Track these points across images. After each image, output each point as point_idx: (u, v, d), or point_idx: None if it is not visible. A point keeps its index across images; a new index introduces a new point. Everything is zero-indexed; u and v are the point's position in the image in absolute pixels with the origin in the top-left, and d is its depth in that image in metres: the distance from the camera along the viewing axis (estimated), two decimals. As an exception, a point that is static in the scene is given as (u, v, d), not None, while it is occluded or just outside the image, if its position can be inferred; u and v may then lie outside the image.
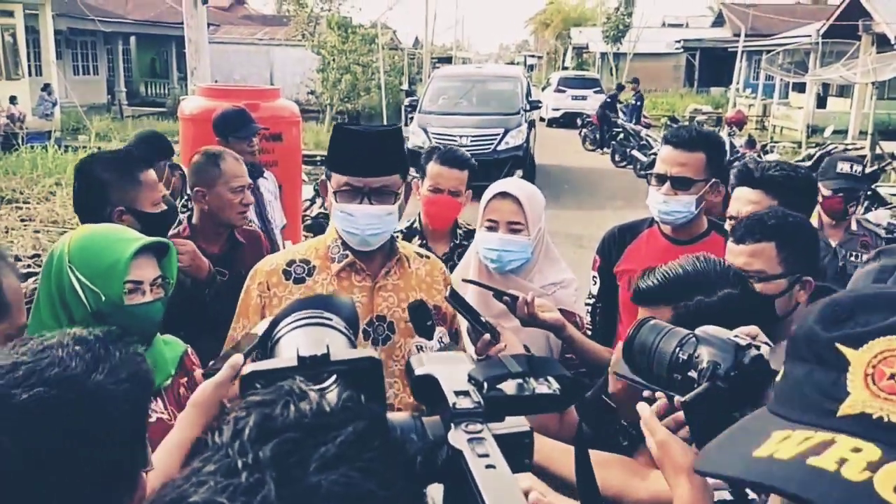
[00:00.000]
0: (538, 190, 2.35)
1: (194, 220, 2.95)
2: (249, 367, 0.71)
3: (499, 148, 12.45)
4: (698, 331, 1.27)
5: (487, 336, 1.83)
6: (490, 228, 2.21)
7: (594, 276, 2.78)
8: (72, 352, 0.89)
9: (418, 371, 0.71)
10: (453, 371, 0.70)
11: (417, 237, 2.90)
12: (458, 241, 2.92)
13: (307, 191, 8.29)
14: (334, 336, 0.80)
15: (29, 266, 8.01)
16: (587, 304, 2.79)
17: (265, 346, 0.86)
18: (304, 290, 1.88)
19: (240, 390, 0.70)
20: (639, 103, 18.19)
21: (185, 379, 1.85)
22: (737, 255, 1.82)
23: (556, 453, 1.52)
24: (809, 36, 22.14)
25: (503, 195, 2.22)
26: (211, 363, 1.55)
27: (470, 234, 2.92)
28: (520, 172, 11.53)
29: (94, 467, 0.88)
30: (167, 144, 4.41)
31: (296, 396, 0.53)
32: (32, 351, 0.89)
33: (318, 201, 8.84)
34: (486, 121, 12.89)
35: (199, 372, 1.59)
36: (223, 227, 2.92)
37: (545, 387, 0.70)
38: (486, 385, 0.68)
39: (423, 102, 13.92)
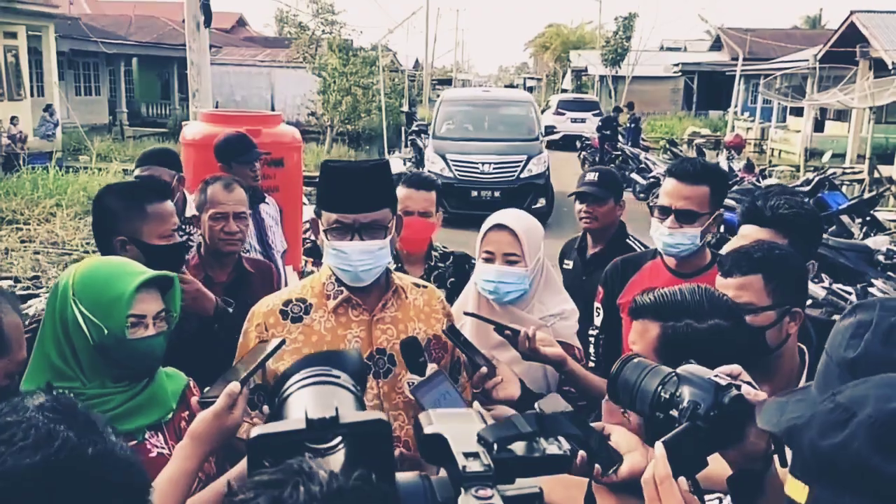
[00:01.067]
0: (536, 221, 2.35)
1: (203, 249, 2.95)
2: (257, 430, 0.70)
3: (521, 175, 11.90)
4: (680, 370, 1.30)
5: (484, 370, 1.82)
6: (487, 260, 2.22)
7: (597, 308, 2.78)
8: (34, 420, 0.85)
9: (427, 430, 0.70)
10: (462, 430, 0.69)
11: (393, 262, 2.89)
12: (432, 264, 2.92)
13: (307, 212, 8.31)
14: (342, 395, 0.79)
15: (28, 288, 8.02)
16: (590, 336, 2.79)
17: (273, 401, 0.85)
18: (303, 329, 1.88)
19: (247, 455, 0.68)
20: (634, 126, 18.29)
21: (186, 413, 1.83)
22: (725, 288, 1.84)
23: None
24: (807, 61, 22.29)
25: (499, 227, 2.22)
26: (206, 390, 1.53)
27: (445, 257, 2.93)
28: (542, 201, 11.46)
29: None
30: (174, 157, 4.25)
31: (305, 476, 0.51)
32: None
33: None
34: (508, 147, 12.35)
35: (194, 399, 1.57)
36: (222, 255, 2.90)
37: (555, 447, 0.69)
38: (495, 446, 0.67)
39: (436, 127, 13.34)
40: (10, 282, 8.08)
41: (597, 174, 3.51)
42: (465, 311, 2.19)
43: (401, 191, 2.87)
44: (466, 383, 2.06)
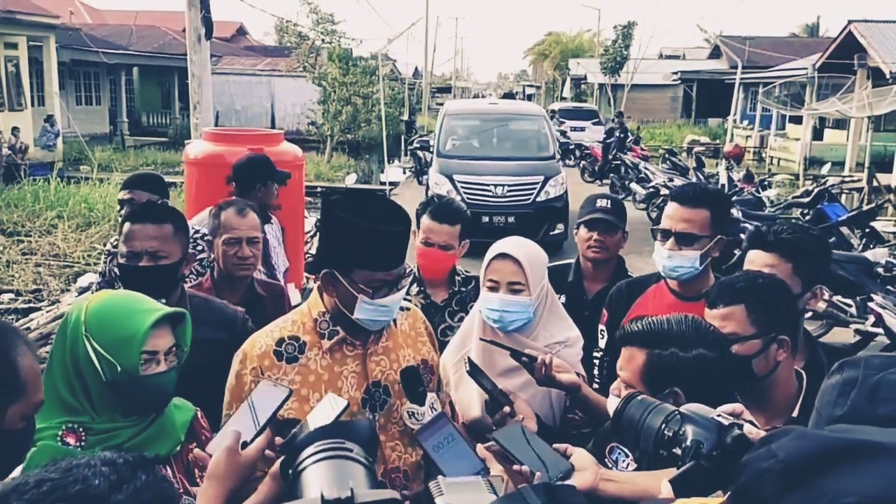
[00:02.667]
0: (540, 249, 2.36)
1: (216, 272, 2.98)
2: None
3: (538, 199, 10.49)
4: (683, 408, 1.34)
5: (507, 409, 1.83)
6: (491, 289, 2.23)
7: (602, 330, 2.80)
8: (98, 471, 0.90)
9: (439, 500, 0.71)
10: (473, 502, 0.70)
11: (416, 284, 2.91)
12: (456, 289, 2.94)
13: (307, 223, 8.32)
14: (356, 470, 0.80)
15: (30, 301, 8.03)
16: (594, 358, 2.80)
17: (287, 475, 0.86)
18: (299, 369, 1.87)
19: None
20: (622, 135, 18.17)
21: (194, 444, 1.84)
22: (711, 319, 1.87)
23: None
24: (805, 69, 22.36)
25: (503, 256, 2.23)
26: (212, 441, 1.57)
27: (468, 281, 2.94)
28: (561, 227, 10.32)
29: None
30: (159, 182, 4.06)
31: None
32: (61, 468, 0.90)
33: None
34: (523, 167, 10.94)
35: (198, 452, 1.59)
36: (235, 279, 2.92)
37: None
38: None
39: (440, 144, 11.78)
40: (12, 294, 8.08)
41: (609, 201, 3.23)
42: (480, 337, 2.20)
43: (426, 221, 2.87)
44: (446, 399, 2.12)
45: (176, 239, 2.38)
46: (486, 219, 10.03)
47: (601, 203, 3.20)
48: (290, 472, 0.86)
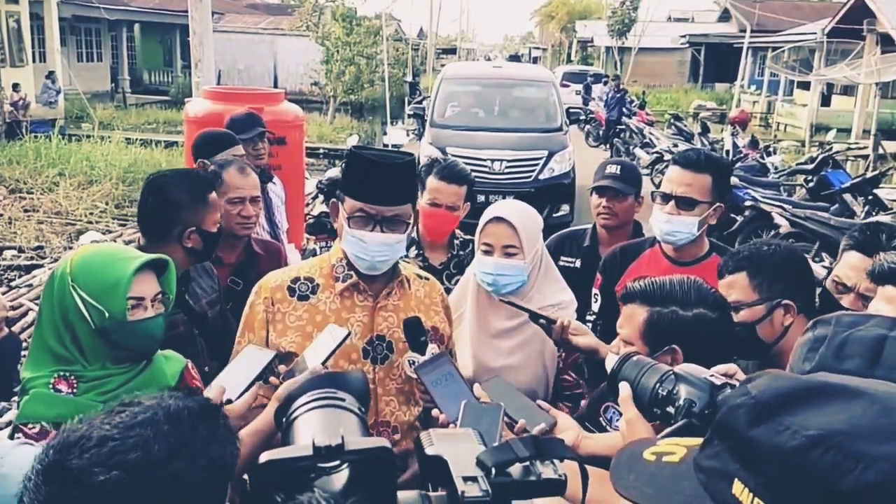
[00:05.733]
0: (535, 212, 2.37)
1: None
2: (266, 456, 0.73)
3: (541, 176, 9.30)
4: (677, 368, 1.38)
5: (544, 426, 1.71)
6: (486, 252, 2.25)
7: (595, 294, 2.82)
8: (160, 431, 0.92)
9: (428, 451, 0.74)
10: (462, 452, 0.73)
11: (414, 247, 2.92)
12: (454, 252, 2.95)
13: (309, 185, 8.29)
14: (348, 419, 0.83)
15: (32, 258, 8.06)
16: (588, 321, 2.82)
17: (280, 423, 0.88)
18: (308, 308, 1.92)
19: (258, 479, 0.72)
20: (619, 95, 17.91)
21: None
22: (720, 289, 1.91)
23: None
24: (815, 34, 22.07)
25: (498, 219, 2.24)
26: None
27: (466, 244, 2.95)
28: (566, 208, 9.24)
29: None
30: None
31: None
32: (124, 425, 0.93)
33: (320, 198, 8.85)
34: (525, 140, 9.73)
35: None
36: (234, 237, 2.94)
37: (550, 470, 0.72)
38: (493, 471, 0.71)
39: (435, 113, 10.57)
40: (15, 251, 8.12)
41: (619, 167, 3.19)
42: (500, 298, 2.21)
43: (432, 181, 2.86)
44: None
45: None
46: (481, 198, 8.32)
47: (611, 169, 3.19)
48: (284, 420, 0.89)
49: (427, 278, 2.15)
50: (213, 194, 2.48)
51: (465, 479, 0.69)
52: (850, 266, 2.05)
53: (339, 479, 0.72)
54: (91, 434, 0.92)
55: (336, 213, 1.93)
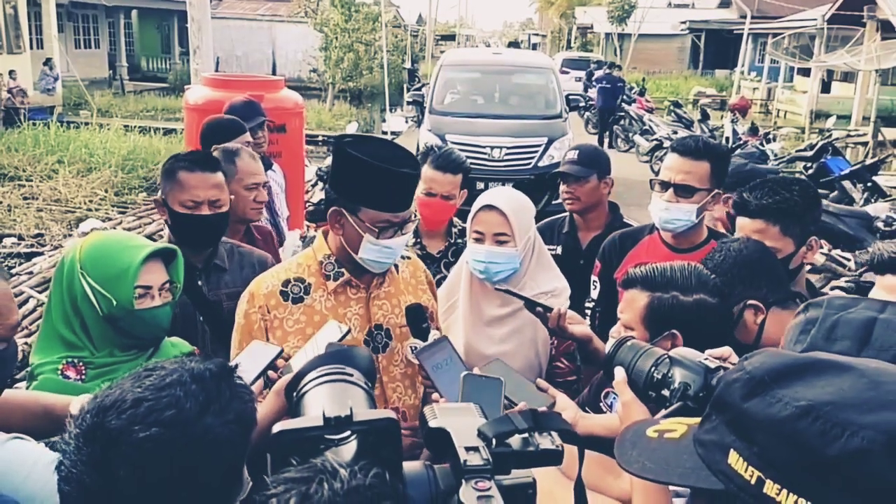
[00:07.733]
0: (527, 199, 2.37)
1: None
2: (279, 426, 0.77)
3: (540, 164, 9.20)
4: (672, 352, 1.40)
5: (544, 408, 1.75)
6: (477, 240, 2.25)
7: (594, 281, 2.84)
8: (189, 391, 0.98)
9: (432, 423, 0.77)
10: (464, 425, 0.76)
11: (412, 235, 2.93)
12: (452, 240, 2.96)
13: (308, 172, 8.28)
14: (355, 393, 0.86)
15: (32, 246, 8.08)
16: (587, 308, 2.85)
17: (290, 398, 0.92)
18: (304, 309, 1.91)
19: (270, 447, 0.76)
20: (610, 86, 17.56)
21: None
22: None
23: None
24: (815, 20, 22.00)
25: (489, 207, 2.25)
26: None
27: (464, 232, 2.96)
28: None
29: (196, 497, 0.97)
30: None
31: (328, 474, 0.58)
32: (155, 387, 0.99)
33: (320, 185, 8.85)
34: (525, 127, 9.69)
35: None
36: (239, 222, 2.97)
37: (548, 442, 0.76)
38: (494, 441, 0.74)
39: (434, 100, 10.54)
40: (14, 239, 8.14)
41: (577, 152, 3.29)
42: (496, 287, 2.22)
43: (427, 170, 2.85)
44: None
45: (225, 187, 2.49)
46: (480, 185, 8.26)
47: (569, 154, 3.32)
48: (294, 395, 0.92)
49: (409, 257, 2.15)
50: (190, 175, 2.38)
51: (468, 449, 0.73)
52: (739, 229, 2.19)
53: (348, 449, 0.75)
54: (125, 397, 0.97)
55: (339, 221, 1.87)
